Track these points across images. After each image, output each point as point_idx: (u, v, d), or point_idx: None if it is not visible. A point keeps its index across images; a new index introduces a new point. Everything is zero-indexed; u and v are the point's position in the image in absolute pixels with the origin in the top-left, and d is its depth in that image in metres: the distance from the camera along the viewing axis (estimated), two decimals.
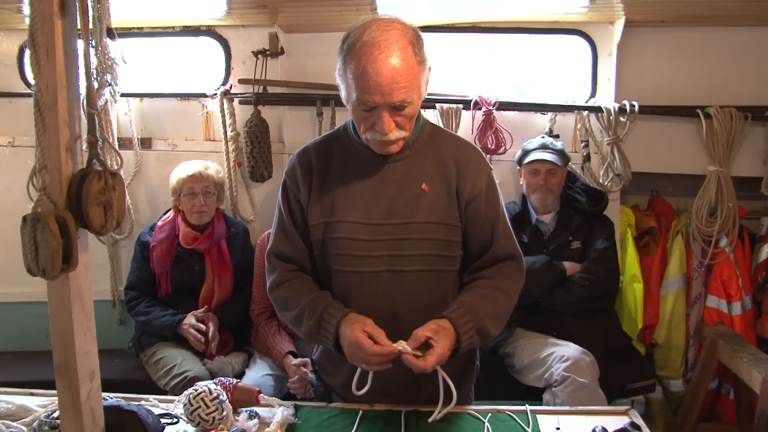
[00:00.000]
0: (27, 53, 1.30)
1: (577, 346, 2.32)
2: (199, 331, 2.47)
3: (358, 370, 1.36)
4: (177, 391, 2.18)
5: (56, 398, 1.19)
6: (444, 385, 1.35)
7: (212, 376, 2.31)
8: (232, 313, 2.62)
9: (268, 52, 2.89)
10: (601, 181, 2.91)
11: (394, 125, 1.37)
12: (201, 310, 2.54)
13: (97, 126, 1.10)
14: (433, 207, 1.46)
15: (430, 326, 1.34)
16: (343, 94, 1.41)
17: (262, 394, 1.51)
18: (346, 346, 1.36)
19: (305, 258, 1.54)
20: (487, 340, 1.47)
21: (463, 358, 1.59)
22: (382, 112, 1.34)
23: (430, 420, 1.37)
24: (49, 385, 1.30)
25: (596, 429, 1.36)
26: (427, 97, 2.80)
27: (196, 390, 1.42)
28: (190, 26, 2.97)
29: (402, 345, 1.30)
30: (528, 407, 1.51)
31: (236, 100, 2.94)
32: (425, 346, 1.32)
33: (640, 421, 1.41)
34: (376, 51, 1.29)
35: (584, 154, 2.93)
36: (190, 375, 2.29)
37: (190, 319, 2.50)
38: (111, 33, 1.13)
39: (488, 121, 2.83)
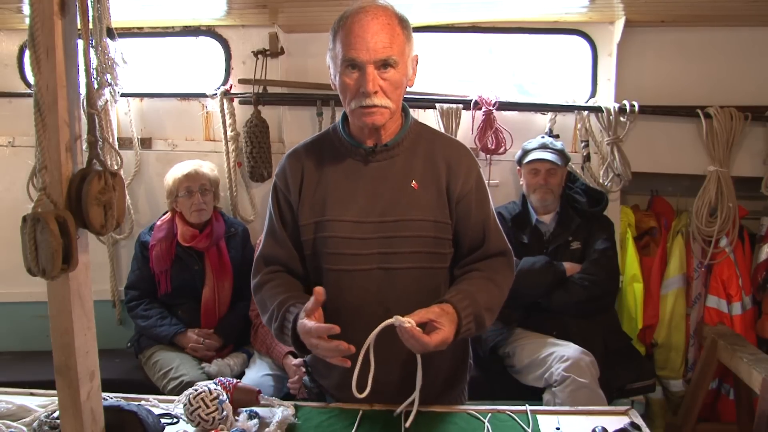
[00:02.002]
0: (27, 53, 1.30)
1: (577, 346, 2.32)
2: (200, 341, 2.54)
3: (356, 372, 1.31)
4: (173, 394, 2.18)
5: (56, 398, 1.19)
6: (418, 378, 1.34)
7: (210, 379, 2.32)
8: (234, 324, 2.63)
9: (268, 52, 2.89)
10: (601, 181, 2.91)
11: (378, 86, 1.38)
12: (204, 330, 2.56)
13: (97, 126, 1.10)
14: (423, 204, 1.47)
15: (433, 309, 1.32)
16: (332, 71, 1.44)
17: (262, 394, 1.52)
18: (304, 335, 1.32)
19: (294, 260, 1.54)
20: (481, 331, 1.47)
21: (456, 357, 1.61)
22: (367, 70, 1.36)
23: (395, 413, 1.39)
24: (49, 385, 1.30)
25: (596, 429, 1.36)
26: (427, 97, 2.86)
27: (196, 390, 1.42)
28: (190, 26, 2.97)
29: (399, 319, 1.26)
30: (528, 407, 1.51)
31: (236, 100, 2.95)
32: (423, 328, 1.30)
33: (640, 421, 1.41)
34: (362, 14, 1.36)
35: (584, 154, 2.93)
36: (186, 380, 2.30)
37: (191, 336, 2.54)
38: (111, 33, 1.13)
39: (488, 121, 2.83)
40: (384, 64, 1.37)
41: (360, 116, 1.42)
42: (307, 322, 1.30)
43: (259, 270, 1.56)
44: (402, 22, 1.40)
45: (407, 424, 1.35)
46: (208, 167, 2.67)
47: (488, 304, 1.44)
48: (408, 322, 1.25)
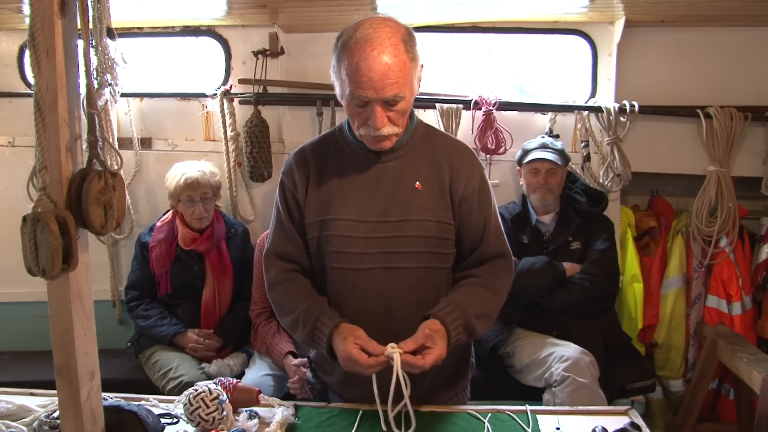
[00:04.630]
0: (27, 53, 1.30)
1: (576, 346, 2.32)
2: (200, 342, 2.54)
3: (375, 385, 1.34)
4: (173, 394, 2.18)
5: (56, 398, 1.19)
6: (400, 383, 1.35)
7: (210, 379, 2.32)
8: (234, 324, 2.63)
9: (268, 52, 2.89)
10: (601, 181, 2.91)
11: (386, 120, 1.39)
12: (204, 331, 2.56)
13: (97, 126, 1.10)
14: (426, 205, 1.48)
15: (423, 332, 1.36)
16: (337, 90, 1.43)
17: (262, 394, 1.52)
18: (340, 359, 1.38)
19: (303, 255, 1.56)
20: (474, 338, 1.50)
21: (458, 356, 1.61)
22: (374, 107, 1.37)
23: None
24: (49, 385, 1.30)
25: (596, 429, 1.36)
26: (427, 97, 2.87)
27: (196, 390, 1.42)
28: (190, 26, 2.97)
29: (395, 350, 1.31)
30: (528, 407, 1.51)
31: (236, 100, 2.94)
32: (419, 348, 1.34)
33: (640, 421, 1.41)
34: (368, 47, 1.32)
35: (584, 154, 2.93)
36: (185, 380, 2.30)
37: (191, 336, 2.54)
38: (111, 33, 1.13)
39: (488, 121, 2.83)
40: (392, 101, 1.37)
41: (369, 141, 1.45)
42: (359, 357, 1.33)
43: (272, 266, 1.56)
44: (406, 42, 1.36)
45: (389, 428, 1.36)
46: (210, 171, 2.61)
47: (479, 312, 1.46)
48: (400, 351, 1.31)
